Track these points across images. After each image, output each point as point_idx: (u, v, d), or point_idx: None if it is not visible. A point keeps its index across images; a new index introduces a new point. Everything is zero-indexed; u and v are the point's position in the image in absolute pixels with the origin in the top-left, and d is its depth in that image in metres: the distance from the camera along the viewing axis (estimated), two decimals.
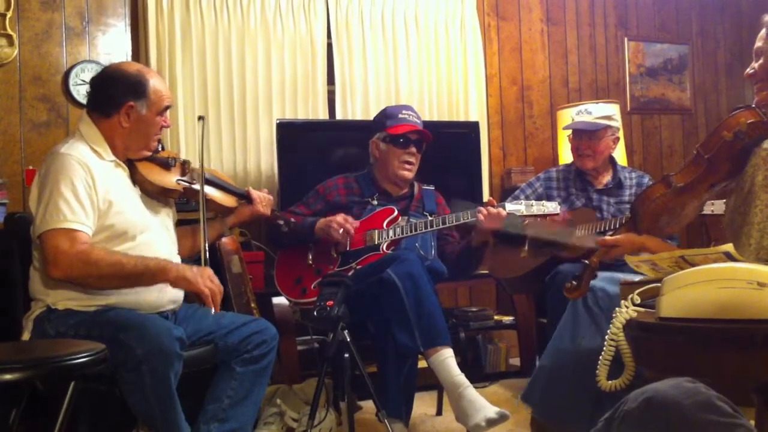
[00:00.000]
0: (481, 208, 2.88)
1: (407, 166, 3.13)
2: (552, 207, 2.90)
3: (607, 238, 2.17)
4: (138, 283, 2.26)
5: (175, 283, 2.28)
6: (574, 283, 2.13)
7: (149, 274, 2.24)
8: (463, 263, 3.12)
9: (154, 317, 2.22)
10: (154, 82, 2.40)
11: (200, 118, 2.65)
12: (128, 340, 2.06)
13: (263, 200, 2.74)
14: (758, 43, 2.05)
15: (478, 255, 3.10)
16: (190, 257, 2.63)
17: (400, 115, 3.15)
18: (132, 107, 2.35)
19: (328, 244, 3.05)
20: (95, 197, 2.24)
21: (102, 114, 2.37)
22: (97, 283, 2.21)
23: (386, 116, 3.18)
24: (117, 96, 2.35)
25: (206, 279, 2.28)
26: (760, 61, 2.02)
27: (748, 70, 2.06)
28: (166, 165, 2.51)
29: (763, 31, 2.03)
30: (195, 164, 2.57)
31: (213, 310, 2.28)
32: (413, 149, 3.13)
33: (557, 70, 4.90)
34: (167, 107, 2.45)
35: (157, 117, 2.41)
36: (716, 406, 1.24)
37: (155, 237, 2.39)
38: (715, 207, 3.21)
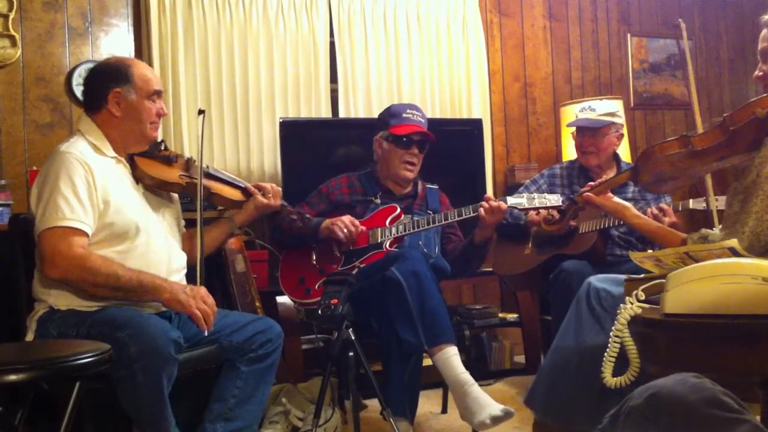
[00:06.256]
0: (483, 202, 2.88)
1: (408, 167, 3.12)
2: (554, 199, 2.89)
3: (594, 195, 2.29)
4: (130, 296, 2.23)
5: (167, 304, 2.24)
6: (556, 216, 2.14)
7: (142, 290, 2.21)
8: (465, 260, 3.12)
9: (154, 318, 2.20)
10: (139, 68, 2.39)
11: (201, 111, 2.59)
12: (123, 338, 2.04)
13: (270, 191, 2.64)
14: (763, 44, 2.03)
15: (480, 252, 3.09)
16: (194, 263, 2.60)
17: (404, 115, 3.13)
18: (119, 93, 2.34)
19: (331, 243, 3.04)
20: (95, 196, 2.23)
21: (94, 108, 2.37)
22: (90, 290, 2.20)
23: (390, 114, 3.16)
24: (101, 86, 2.35)
25: (199, 301, 2.22)
26: None
27: (757, 73, 2.04)
28: (168, 161, 2.50)
29: (765, 30, 2.01)
30: (199, 162, 2.53)
31: (205, 332, 2.24)
32: (415, 150, 3.11)
33: (560, 66, 4.89)
34: (157, 91, 2.41)
35: (147, 101, 2.38)
36: (721, 401, 1.24)
37: (156, 236, 2.37)
38: (720, 203, 3.19)
